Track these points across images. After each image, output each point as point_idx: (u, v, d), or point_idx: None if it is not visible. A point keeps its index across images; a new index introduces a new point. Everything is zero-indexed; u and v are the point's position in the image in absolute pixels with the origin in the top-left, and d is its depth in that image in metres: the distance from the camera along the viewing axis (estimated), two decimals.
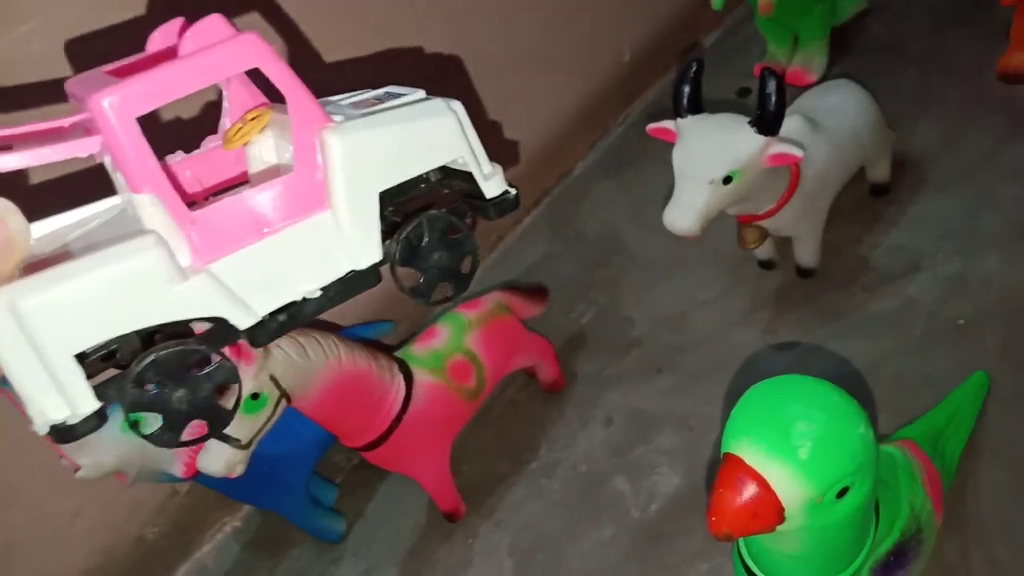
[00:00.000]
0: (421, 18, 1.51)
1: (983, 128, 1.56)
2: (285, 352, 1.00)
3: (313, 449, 1.30)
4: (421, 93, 0.70)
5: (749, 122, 1.13)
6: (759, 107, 1.11)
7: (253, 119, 0.61)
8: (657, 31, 1.98)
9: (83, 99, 0.50)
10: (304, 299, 0.64)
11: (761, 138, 1.12)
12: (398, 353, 1.23)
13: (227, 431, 0.98)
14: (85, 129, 0.53)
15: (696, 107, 1.18)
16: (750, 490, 0.59)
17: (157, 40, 0.61)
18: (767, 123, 1.11)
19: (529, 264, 1.75)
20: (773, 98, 1.09)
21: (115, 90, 0.50)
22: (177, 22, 0.60)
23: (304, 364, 1.02)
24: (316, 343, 1.04)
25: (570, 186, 1.90)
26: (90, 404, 0.56)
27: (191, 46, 0.53)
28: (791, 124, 1.31)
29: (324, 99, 0.67)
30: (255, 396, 0.98)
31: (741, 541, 0.77)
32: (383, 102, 0.67)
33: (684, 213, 1.15)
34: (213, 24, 0.54)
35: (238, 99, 0.66)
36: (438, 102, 0.68)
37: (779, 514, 0.60)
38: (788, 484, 0.59)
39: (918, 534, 0.85)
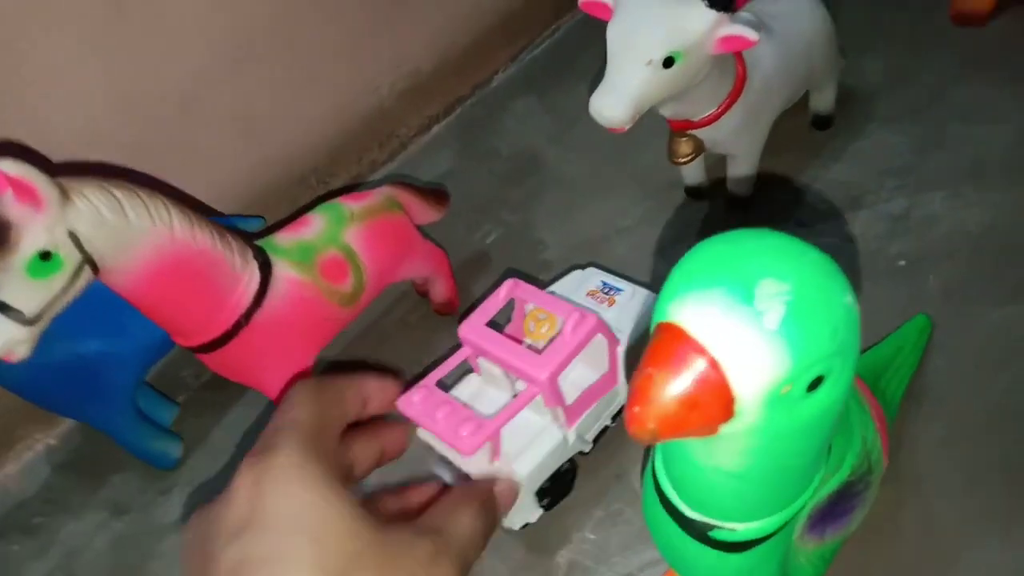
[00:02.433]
0: None
1: (933, 66, 1.45)
2: (92, 205, 0.76)
3: (144, 352, 1.06)
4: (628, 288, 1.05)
5: None
6: None
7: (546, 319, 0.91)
8: None
9: (514, 366, 0.87)
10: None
11: (712, 14, 0.95)
12: (258, 241, 1.01)
13: (6, 297, 0.74)
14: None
15: None
16: (693, 368, 0.41)
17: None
18: None
19: (434, 175, 1.55)
20: None
21: (551, 367, 0.84)
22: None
23: (119, 224, 0.78)
24: (139, 201, 0.81)
25: (487, 97, 1.69)
26: None
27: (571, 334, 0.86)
28: (740, 20, 1.15)
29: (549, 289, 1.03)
30: (46, 255, 0.74)
31: (658, 451, 0.59)
32: (610, 293, 1.06)
33: (615, 98, 0.97)
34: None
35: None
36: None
37: (728, 406, 0.42)
38: (747, 362, 0.41)
39: (867, 475, 0.70)
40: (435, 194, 1.25)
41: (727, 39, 0.96)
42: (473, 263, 1.37)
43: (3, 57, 1.06)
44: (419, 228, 1.20)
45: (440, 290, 1.26)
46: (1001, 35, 1.47)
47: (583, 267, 1.14)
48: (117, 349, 1.02)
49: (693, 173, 1.34)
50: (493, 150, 1.58)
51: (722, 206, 1.34)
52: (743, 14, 1.15)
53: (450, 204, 1.27)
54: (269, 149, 1.40)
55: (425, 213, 1.22)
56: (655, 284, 1.24)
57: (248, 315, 0.93)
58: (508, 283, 0.95)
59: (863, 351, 0.96)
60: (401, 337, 1.28)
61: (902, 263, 1.18)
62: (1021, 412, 0.98)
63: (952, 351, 1.05)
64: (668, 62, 0.96)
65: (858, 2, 1.63)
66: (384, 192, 1.12)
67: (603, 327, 0.91)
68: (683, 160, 1.20)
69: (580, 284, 1.08)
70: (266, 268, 0.96)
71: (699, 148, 1.19)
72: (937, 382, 1.03)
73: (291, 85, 1.38)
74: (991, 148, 1.29)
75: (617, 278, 1.08)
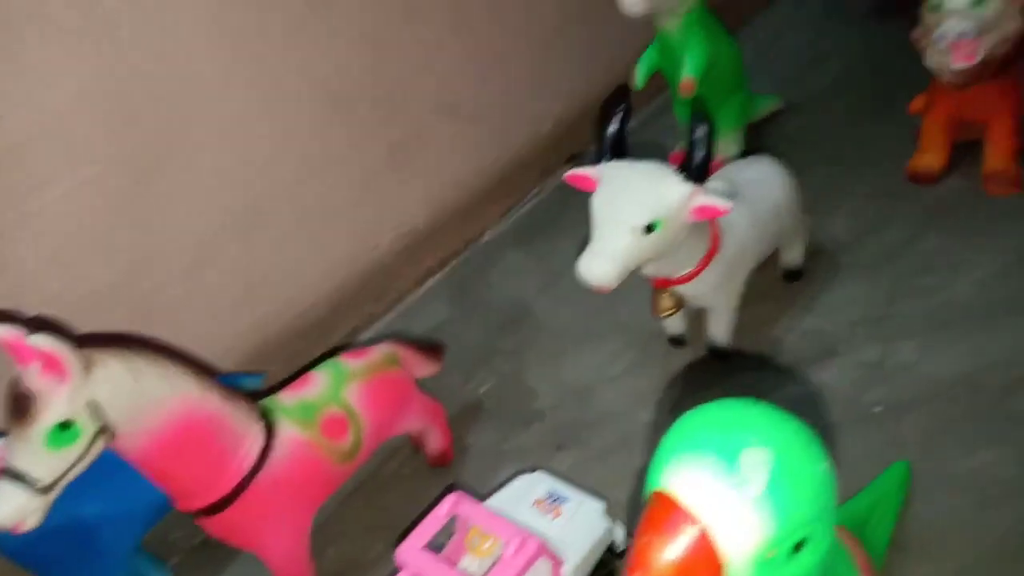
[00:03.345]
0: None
1: (896, 221, 1.56)
2: (114, 374, 0.81)
3: (143, 514, 1.07)
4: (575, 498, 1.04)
5: (676, 170, 1.06)
6: (687, 155, 1.04)
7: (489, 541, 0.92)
8: (582, 105, 1.95)
9: None
10: None
11: (688, 187, 1.04)
12: (262, 401, 1.04)
13: (23, 466, 0.77)
14: None
15: (620, 152, 1.10)
16: (686, 536, 0.45)
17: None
18: (695, 171, 1.04)
19: (429, 327, 1.61)
20: (703, 145, 1.03)
21: None
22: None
23: (137, 391, 0.82)
24: (159, 370, 0.86)
25: (479, 251, 1.79)
26: None
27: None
28: (713, 188, 1.25)
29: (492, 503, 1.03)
30: (65, 425, 0.78)
31: None
32: (556, 503, 1.04)
33: (602, 261, 1.05)
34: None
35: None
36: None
37: (718, 570, 0.46)
38: (734, 528, 0.45)
39: None
40: (431, 348, 1.30)
41: (701, 208, 1.05)
42: (468, 413, 1.40)
43: (33, 224, 1.13)
44: (416, 381, 1.25)
45: (435, 442, 1.28)
46: (955, 191, 1.59)
47: (531, 471, 1.12)
48: (116, 512, 1.03)
49: (675, 324, 1.41)
50: (485, 301, 1.66)
51: (703, 355, 1.40)
52: (716, 184, 1.26)
53: (444, 357, 1.32)
54: (271, 306, 1.46)
55: (422, 367, 1.27)
56: (647, 437, 1.28)
57: (250, 477, 0.96)
58: (450, 498, 0.94)
59: (845, 500, 0.99)
60: (396, 490, 1.29)
61: (878, 409, 1.23)
62: (1005, 554, 1.00)
63: (933, 497, 1.09)
64: (649, 228, 1.05)
65: (820, 166, 1.77)
66: (383, 349, 1.18)
67: (545, 550, 0.89)
68: (666, 314, 1.27)
69: (526, 492, 1.04)
70: (269, 428, 1.00)
71: (680, 303, 1.27)
72: (920, 528, 1.05)
73: (294, 246, 1.47)
74: (957, 296, 1.37)
75: (564, 486, 1.05)
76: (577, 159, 1.94)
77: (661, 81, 1.73)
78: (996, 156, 1.57)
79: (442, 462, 1.31)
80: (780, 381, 1.32)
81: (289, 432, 1.01)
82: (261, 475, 0.97)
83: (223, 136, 1.32)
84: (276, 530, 1.00)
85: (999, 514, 1.05)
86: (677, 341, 1.44)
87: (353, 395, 1.08)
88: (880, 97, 1.92)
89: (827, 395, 1.27)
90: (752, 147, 1.83)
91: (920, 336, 1.32)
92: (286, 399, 1.05)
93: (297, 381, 1.09)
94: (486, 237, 1.81)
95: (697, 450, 0.48)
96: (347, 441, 1.06)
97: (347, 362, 1.12)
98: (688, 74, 1.62)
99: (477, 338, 1.56)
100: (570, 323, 1.55)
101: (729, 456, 0.46)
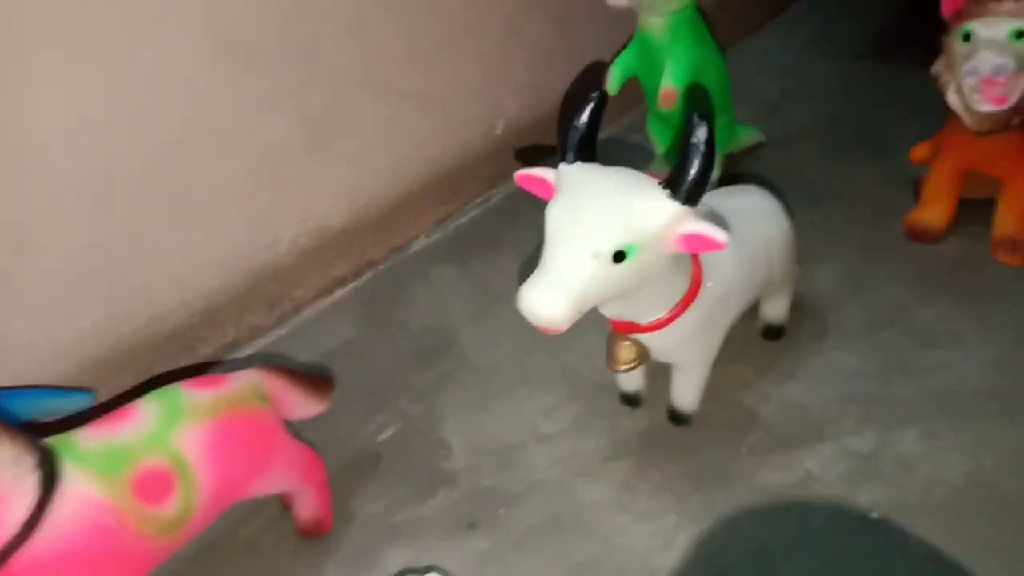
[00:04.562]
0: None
1: (888, 281, 1.34)
2: None
3: None
4: None
5: (661, 183, 0.79)
6: (679, 163, 0.77)
7: None
8: (546, 107, 1.68)
9: None
10: None
11: (674, 207, 0.78)
12: (53, 438, 0.73)
13: None
14: None
15: (588, 153, 0.83)
16: None
17: None
18: (687, 186, 0.77)
19: (327, 349, 1.30)
20: (700, 153, 0.76)
21: None
22: None
23: None
24: None
25: (404, 263, 1.49)
26: None
27: None
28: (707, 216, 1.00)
29: None
30: None
31: None
32: None
33: (553, 295, 0.77)
34: None
35: None
36: None
37: None
38: None
39: None
40: (317, 381, 1.00)
41: (690, 237, 0.79)
42: (358, 466, 1.11)
43: None
44: (290, 424, 0.95)
45: (307, 506, 0.98)
46: (957, 253, 1.38)
47: (422, 572, 0.90)
48: None
49: (632, 380, 1.14)
50: (402, 323, 1.36)
51: (662, 419, 1.14)
52: (707, 208, 1.01)
53: (334, 392, 1.03)
54: (123, 302, 1.14)
55: (301, 406, 0.97)
56: (584, 521, 1.00)
57: (5, 553, 0.64)
58: None
59: None
60: (249, 566, 0.98)
61: (874, 515, 0.98)
62: None
63: None
64: (618, 257, 0.78)
65: (807, 206, 1.54)
66: (246, 378, 0.87)
67: None
68: (624, 368, 1.00)
69: None
70: (50, 481, 0.68)
71: (643, 356, 1.00)
72: None
73: (162, 230, 1.15)
74: (960, 378, 1.14)
75: None
76: (538, 155, 1.67)
77: (636, 90, 1.48)
78: (1009, 220, 1.36)
79: (316, 532, 1.01)
80: (754, 464, 1.06)
81: (81, 488, 0.70)
82: (25, 551, 0.66)
83: (70, 67, 1.00)
84: None
85: None
86: (631, 400, 1.17)
87: (188, 440, 0.78)
88: (873, 139, 1.72)
89: (811, 489, 1.02)
90: (729, 181, 1.59)
91: (921, 424, 1.08)
92: (86, 440, 0.74)
93: (112, 414, 0.78)
94: (415, 247, 1.52)
95: None
96: (170, 506, 0.76)
97: (188, 392, 0.81)
98: (670, 83, 1.37)
99: (385, 369, 1.27)
100: (503, 361, 1.27)
101: None
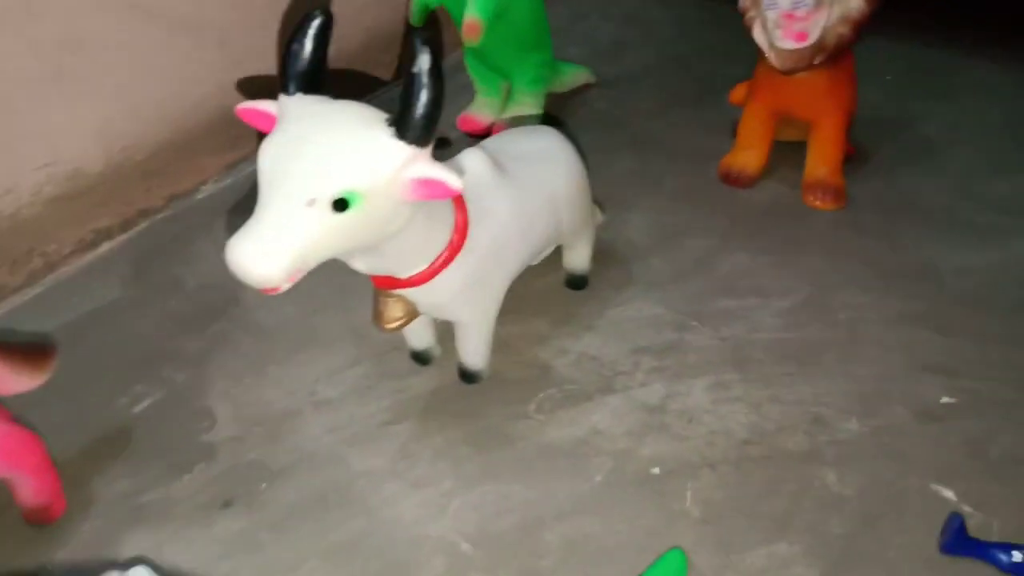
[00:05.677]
0: None
1: (700, 228, 1.31)
2: None
3: None
4: None
5: (387, 120, 0.70)
6: (404, 98, 0.68)
7: None
8: (341, 41, 1.54)
9: None
10: None
11: (403, 147, 0.69)
12: None
13: None
14: None
15: (312, 83, 0.72)
16: None
17: None
18: (414, 124, 0.68)
19: (85, 311, 1.16)
20: (426, 85, 0.67)
21: None
22: None
23: None
24: None
25: (185, 214, 1.34)
26: None
27: None
28: (470, 160, 0.91)
29: None
30: None
31: None
32: None
33: (262, 247, 0.67)
34: None
35: None
36: None
37: None
38: None
39: None
40: (31, 353, 0.86)
41: (421, 183, 0.70)
42: (107, 444, 0.98)
43: None
44: (5, 400, 0.82)
45: (30, 492, 0.86)
46: (770, 198, 1.36)
47: (124, 569, 0.76)
48: None
49: (419, 336, 1.06)
50: (178, 281, 1.22)
51: (453, 377, 1.06)
52: (476, 153, 0.92)
53: (53, 363, 0.89)
54: None
55: (12, 381, 0.83)
56: (356, 494, 0.91)
57: None
58: None
59: None
60: None
61: (655, 471, 0.95)
62: None
63: None
64: (340, 204, 0.68)
65: (628, 150, 1.49)
66: None
67: None
68: (391, 326, 0.91)
69: None
70: None
71: (411, 312, 0.91)
72: None
73: None
74: (754, 327, 1.12)
75: None
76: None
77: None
78: (819, 163, 1.35)
79: (44, 519, 0.89)
80: (541, 423, 1.01)
81: None
82: None
83: None
84: None
85: None
86: (421, 358, 1.09)
87: None
88: (704, 84, 1.67)
89: (594, 445, 0.98)
90: (551, 121, 1.52)
91: (712, 375, 1.05)
92: None
93: None
94: (200, 194, 1.37)
95: None
96: None
97: None
98: (473, 13, 1.27)
99: (151, 333, 1.14)
100: (287, 322, 1.16)
101: None
